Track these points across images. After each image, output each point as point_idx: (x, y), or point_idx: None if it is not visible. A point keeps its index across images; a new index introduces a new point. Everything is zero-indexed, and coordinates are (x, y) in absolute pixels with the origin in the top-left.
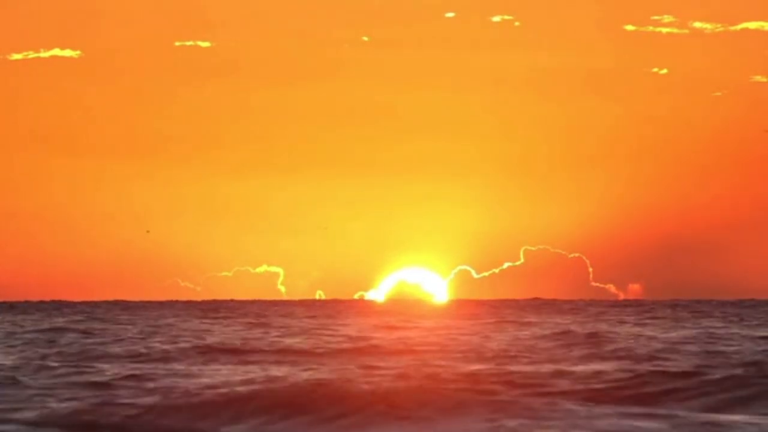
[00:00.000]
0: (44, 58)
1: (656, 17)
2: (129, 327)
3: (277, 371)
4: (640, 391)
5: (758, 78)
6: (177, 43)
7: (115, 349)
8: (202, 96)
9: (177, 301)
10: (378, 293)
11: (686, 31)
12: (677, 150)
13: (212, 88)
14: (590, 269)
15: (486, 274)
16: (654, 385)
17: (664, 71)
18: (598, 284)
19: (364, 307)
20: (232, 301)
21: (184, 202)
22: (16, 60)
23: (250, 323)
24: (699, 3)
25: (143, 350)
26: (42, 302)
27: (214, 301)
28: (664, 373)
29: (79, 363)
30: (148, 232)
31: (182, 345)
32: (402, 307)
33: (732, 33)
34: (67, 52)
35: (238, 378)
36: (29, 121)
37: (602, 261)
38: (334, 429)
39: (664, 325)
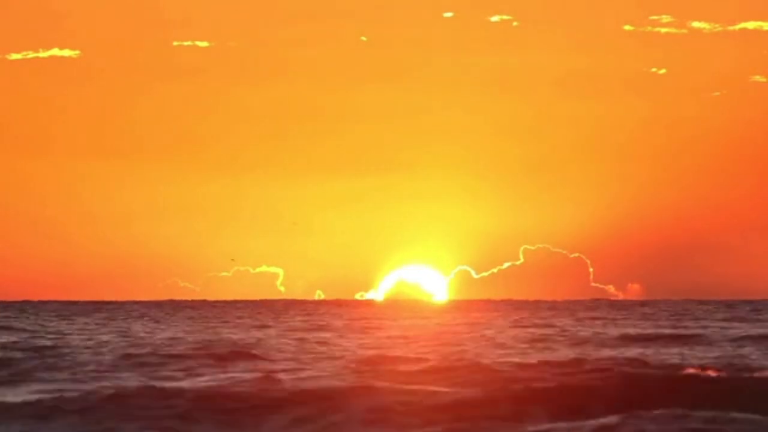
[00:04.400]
0: (43, 58)
1: (655, 17)
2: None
3: None
4: None
5: (757, 78)
6: (175, 43)
7: None
8: (199, 94)
9: (177, 301)
10: (378, 293)
11: (685, 31)
12: (676, 150)
13: (211, 86)
14: (591, 269)
15: (486, 274)
16: None
17: (663, 71)
18: (598, 284)
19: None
20: (235, 301)
21: (184, 202)
22: (15, 60)
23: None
24: (697, 3)
25: None
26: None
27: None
28: None
29: None
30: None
31: None
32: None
33: (731, 33)
34: (66, 52)
35: None
36: (24, 121)
37: (603, 261)
38: None
39: None
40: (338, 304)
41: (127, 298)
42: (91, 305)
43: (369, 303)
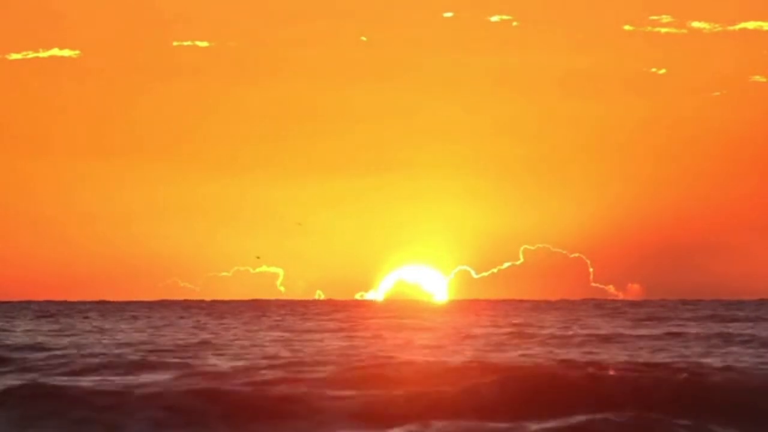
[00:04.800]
0: (43, 58)
1: (654, 17)
2: None
3: None
4: None
5: (757, 78)
6: (175, 43)
7: None
8: (199, 94)
9: (175, 301)
10: (378, 293)
11: (684, 31)
12: (676, 150)
13: (211, 86)
14: (591, 269)
15: (486, 274)
16: None
17: (663, 71)
18: (598, 285)
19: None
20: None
21: (184, 202)
22: (15, 60)
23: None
24: (697, 3)
25: None
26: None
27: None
28: None
29: None
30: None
31: None
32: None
33: (730, 33)
34: (66, 52)
35: None
36: (24, 121)
37: (603, 261)
38: None
39: None
40: (333, 304)
41: (127, 298)
42: (88, 305)
43: (367, 303)
